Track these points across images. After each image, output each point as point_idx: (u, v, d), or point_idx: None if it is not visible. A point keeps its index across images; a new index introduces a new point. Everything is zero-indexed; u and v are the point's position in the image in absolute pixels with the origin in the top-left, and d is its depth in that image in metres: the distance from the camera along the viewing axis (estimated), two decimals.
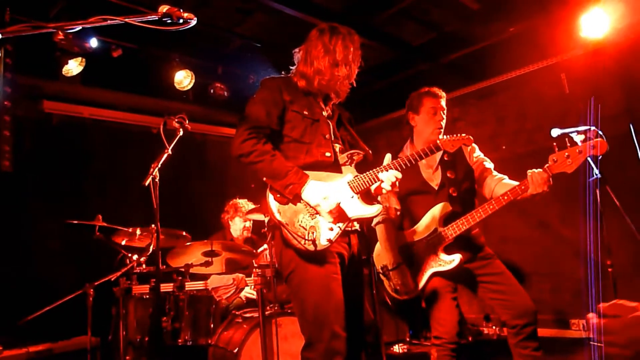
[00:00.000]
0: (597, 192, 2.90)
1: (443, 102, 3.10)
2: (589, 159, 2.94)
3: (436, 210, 2.94)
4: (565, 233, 5.19)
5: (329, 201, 2.26)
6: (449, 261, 2.87)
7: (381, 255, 3.13)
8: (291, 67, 2.58)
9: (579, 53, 5.09)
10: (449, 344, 2.91)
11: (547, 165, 2.68)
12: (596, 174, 2.93)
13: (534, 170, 2.68)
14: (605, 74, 4.82)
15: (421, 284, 2.93)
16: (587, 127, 3.09)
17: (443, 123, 3.08)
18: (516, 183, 2.81)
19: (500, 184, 2.98)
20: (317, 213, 2.29)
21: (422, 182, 3.05)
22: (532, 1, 5.08)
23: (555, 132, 3.12)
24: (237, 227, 4.65)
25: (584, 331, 5.03)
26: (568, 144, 2.67)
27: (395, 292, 3.00)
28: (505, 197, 2.74)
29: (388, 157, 2.46)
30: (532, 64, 5.55)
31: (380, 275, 3.11)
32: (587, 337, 4.82)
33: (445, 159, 3.08)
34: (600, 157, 2.87)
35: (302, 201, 2.30)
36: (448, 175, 3.04)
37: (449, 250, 2.90)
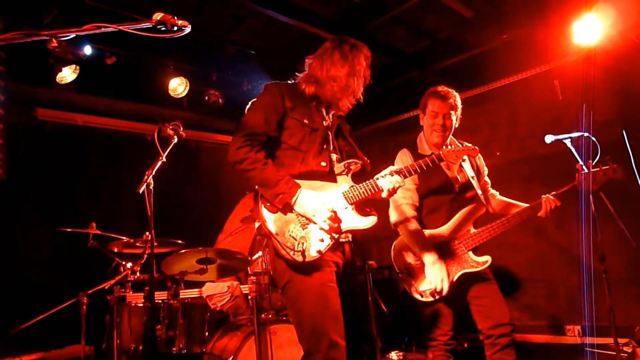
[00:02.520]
0: (591, 198, 2.92)
1: (449, 104, 3.05)
2: (581, 163, 2.98)
3: (470, 212, 2.94)
4: (559, 239, 5.20)
5: (322, 211, 2.24)
6: (482, 262, 2.88)
7: (403, 255, 3.04)
8: (297, 74, 2.58)
9: (571, 60, 5.12)
10: (444, 345, 2.94)
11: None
12: None
13: (548, 195, 2.94)
14: (597, 81, 4.85)
15: (449, 285, 2.87)
16: (581, 134, 3.12)
17: (445, 126, 3.03)
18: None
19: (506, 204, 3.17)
20: (310, 222, 2.27)
21: (446, 181, 3.02)
22: (525, 8, 5.12)
23: (549, 139, 3.15)
24: None
25: (579, 337, 5.03)
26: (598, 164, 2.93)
27: (421, 295, 2.92)
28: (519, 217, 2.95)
29: (390, 169, 2.44)
30: (525, 70, 5.58)
31: (402, 276, 3.02)
32: (582, 343, 4.83)
33: (465, 160, 3.09)
34: (594, 163, 2.93)
35: (293, 211, 2.27)
36: (471, 178, 3.05)
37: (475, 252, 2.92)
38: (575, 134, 3.15)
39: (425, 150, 3.08)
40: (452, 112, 3.06)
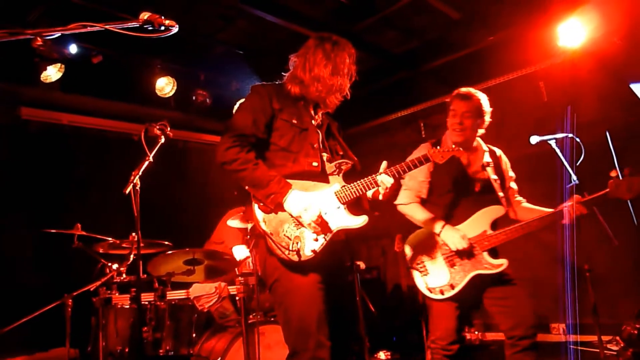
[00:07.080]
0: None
1: (468, 104, 3.08)
2: (565, 163, 3.01)
3: (489, 212, 2.95)
4: (544, 238, 5.26)
5: (310, 212, 2.23)
6: (497, 265, 2.88)
7: (417, 250, 3.02)
8: (283, 74, 2.57)
9: (556, 62, 5.18)
10: (443, 350, 2.91)
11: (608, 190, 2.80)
12: (574, 180, 2.99)
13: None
14: (582, 82, 4.91)
15: (461, 285, 2.87)
16: (565, 134, 3.16)
17: (464, 125, 3.04)
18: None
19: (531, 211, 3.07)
20: (300, 224, 2.27)
21: (466, 181, 3.03)
22: (511, 11, 5.17)
23: (534, 139, 3.19)
24: None
25: (564, 335, 5.09)
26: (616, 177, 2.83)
27: (430, 291, 2.92)
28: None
29: (384, 165, 2.43)
30: (511, 72, 5.64)
31: (412, 270, 2.99)
32: (567, 341, 4.89)
33: (488, 160, 3.11)
34: (577, 163, 2.97)
35: (284, 211, 2.27)
36: (493, 180, 3.06)
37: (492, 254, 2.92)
38: (560, 135, 3.19)
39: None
40: (472, 112, 3.06)
